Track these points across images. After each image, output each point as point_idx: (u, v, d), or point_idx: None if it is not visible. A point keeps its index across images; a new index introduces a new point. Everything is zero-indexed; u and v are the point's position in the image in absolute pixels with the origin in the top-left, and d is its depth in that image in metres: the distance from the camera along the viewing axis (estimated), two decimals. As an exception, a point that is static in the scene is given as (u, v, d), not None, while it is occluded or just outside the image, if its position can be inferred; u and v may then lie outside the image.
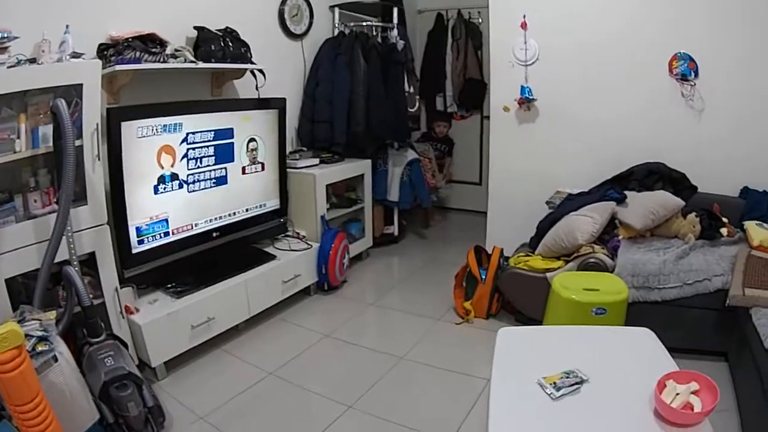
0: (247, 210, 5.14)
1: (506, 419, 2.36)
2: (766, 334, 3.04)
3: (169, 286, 4.41)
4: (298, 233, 5.75)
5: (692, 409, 2.25)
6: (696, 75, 4.92)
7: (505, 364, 2.79)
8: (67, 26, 3.51)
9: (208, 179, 4.70)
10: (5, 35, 3.12)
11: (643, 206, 4.55)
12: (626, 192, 4.82)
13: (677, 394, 2.29)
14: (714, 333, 3.98)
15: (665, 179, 4.96)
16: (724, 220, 4.52)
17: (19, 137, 3.19)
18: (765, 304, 3.38)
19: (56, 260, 3.26)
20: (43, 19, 3.57)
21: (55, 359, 2.87)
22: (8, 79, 3.04)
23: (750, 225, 4.35)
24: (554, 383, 2.49)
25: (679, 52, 4.93)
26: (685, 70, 4.92)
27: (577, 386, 2.48)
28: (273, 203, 5.44)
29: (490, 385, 2.61)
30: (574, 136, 5.56)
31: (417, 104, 7.09)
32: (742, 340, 3.52)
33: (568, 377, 2.53)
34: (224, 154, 4.81)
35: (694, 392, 2.33)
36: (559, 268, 4.47)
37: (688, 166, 4.95)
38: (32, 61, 3.27)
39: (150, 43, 4.13)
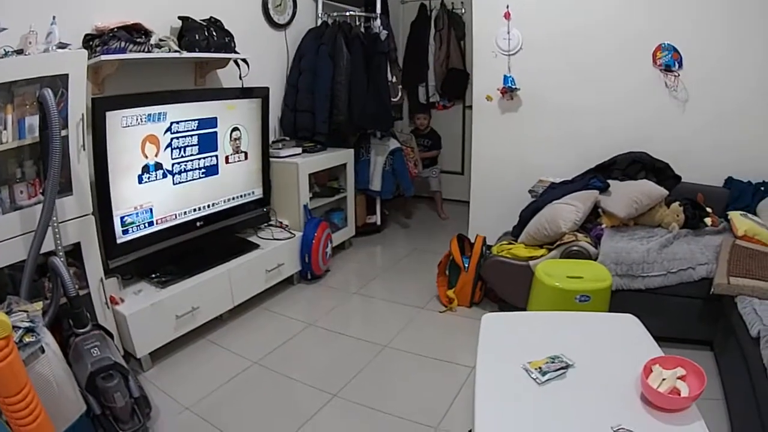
0: (230, 199, 5.14)
1: (492, 404, 2.37)
2: (753, 323, 3.08)
3: (154, 276, 4.41)
4: (281, 222, 5.76)
5: (679, 394, 2.25)
6: (680, 66, 4.97)
7: (490, 350, 2.79)
8: (53, 17, 3.49)
9: (192, 169, 4.69)
10: (-7, 27, 3.11)
11: (627, 195, 4.58)
12: (609, 181, 4.85)
13: (663, 379, 2.29)
14: (698, 321, 4.01)
15: (648, 169, 5.00)
16: (708, 209, 4.57)
17: (5, 128, 3.17)
18: (750, 292, 3.42)
19: (42, 251, 3.25)
20: (30, 12, 3.55)
21: (42, 350, 2.86)
22: (-5, 69, 3.03)
23: (734, 215, 4.41)
24: (540, 368, 2.50)
25: (663, 43, 4.98)
26: (669, 60, 4.97)
27: (562, 371, 2.49)
28: (256, 192, 5.45)
29: (476, 370, 2.62)
30: (556, 125, 5.60)
31: (400, 94, 7.10)
32: (727, 329, 3.56)
33: (553, 362, 2.54)
34: (208, 144, 4.80)
35: (681, 377, 2.34)
36: (542, 256, 4.50)
37: (671, 156, 5.00)
38: (19, 52, 3.27)
39: (135, 33, 4.11)
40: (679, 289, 3.99)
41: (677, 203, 4.54)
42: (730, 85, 4.85)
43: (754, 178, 4.82)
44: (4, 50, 3.16)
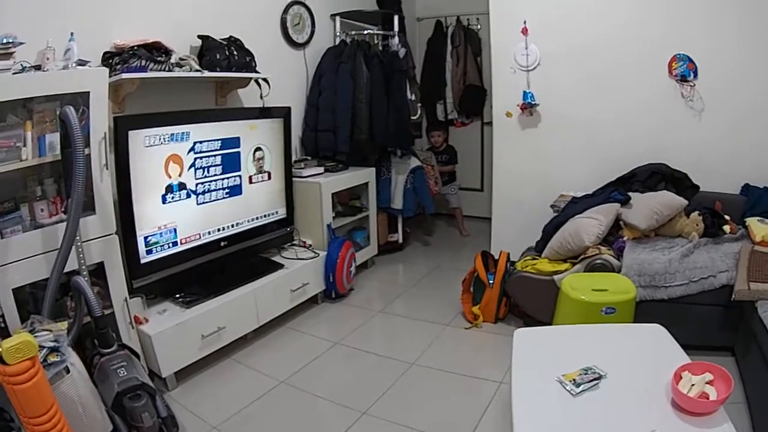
0: (254, 219, 5.14)
1: (530, 416, 2.44)
2: (773, 326, 3.08)
3: (178, 296, 4.40)
4: (304, 242, 5.76)
5: (708, 398, 2.33)
6: (695, 76, 4.97)
7: (524, 364, 2.85)
8: (72, 34, 3.48)
9: (215, 189, 4.70)
10: (10, 40, 3.10)
11: (647, 207, 4.58)
12: (630, 193, 4.85)
13: (693, 384, 2.37)
14: (720, 328, 4.00)
15: (667, 179, 5.01)
16: (727, 217, 4.56)
17: (25, 145, 3.17)
18: (770, 297, 3.42)
19: (65, 270, 3.25)
20: (46, 27, 3.54)
21: (67, 370, 2.86)
22: (15, 85, 3.04)
23: (752, 221, 4.43)
24: (573, 380, 2.55)
25: (678, 54, 4.98)
26: (685, 71, 4.97)
27: (595, 382, 2.54)
28: (280, 212, 5.44)
29: (512, 384, 2.65)
30: (576, 139, 5.60)
31: (419, 112, 7.10)
32: (748, 334, 3.55)
33: (586, 374, 2.59)
34: (231, 164, 4.81)
35: (709, 382, 2.41)
36: (566, 270, 4.48)
37: (689, 166, 5.00)
38: (37, 68, 3.25)
39: (155, 52, 4.12)
40: (701, 298, 3.99)
41: (696, 212, 4.55)
42: (745, 93, 4.86)
43: (770, 184, 4.84)
44: (21, 65, 3.14)
